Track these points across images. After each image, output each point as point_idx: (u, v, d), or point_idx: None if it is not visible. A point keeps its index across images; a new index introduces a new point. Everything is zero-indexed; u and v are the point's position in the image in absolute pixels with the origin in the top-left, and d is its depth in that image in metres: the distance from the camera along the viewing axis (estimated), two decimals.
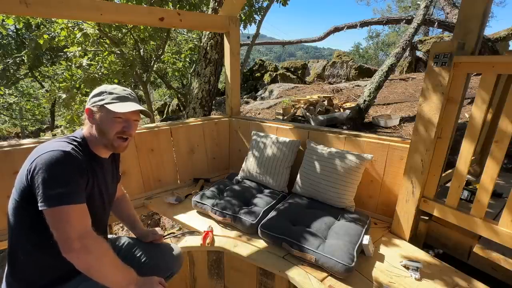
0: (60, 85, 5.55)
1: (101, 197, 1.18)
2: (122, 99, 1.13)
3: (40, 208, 0.91)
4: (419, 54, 10.04)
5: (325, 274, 1.45)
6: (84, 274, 1.12)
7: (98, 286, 1.11)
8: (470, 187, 1.94)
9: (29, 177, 0.94)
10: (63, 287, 1.06)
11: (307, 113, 5.45)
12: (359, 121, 5.02)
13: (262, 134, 2.47)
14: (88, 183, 1.06)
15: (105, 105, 1.09)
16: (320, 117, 5.13)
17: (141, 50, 6.40)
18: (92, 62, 5.48)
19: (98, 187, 1.15)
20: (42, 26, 5.92)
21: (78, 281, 1.09)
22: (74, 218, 0.94)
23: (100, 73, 5.48)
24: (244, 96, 9.94)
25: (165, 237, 1.85)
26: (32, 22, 6.53)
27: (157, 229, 1.52)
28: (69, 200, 0.94)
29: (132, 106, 1.13)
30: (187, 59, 8.20)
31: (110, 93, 1.13)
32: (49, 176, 0.92)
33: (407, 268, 1.49)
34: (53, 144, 1.01)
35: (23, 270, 1.03)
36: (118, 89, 1.15)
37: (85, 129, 1.15)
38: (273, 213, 1.85)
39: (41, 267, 1.04)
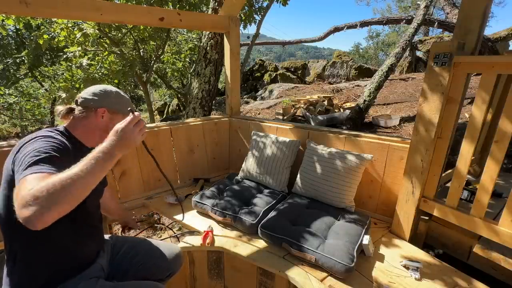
0: (60, 85, 5.56)
1: None
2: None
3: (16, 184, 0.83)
4: (419, 54, 10.04)
5: (325, 274, 1.45)
6: (84, 273, 1.12)
7: (97, 286, 1.11)
8: (470, 187, 1.94)
9: (13, 164, 0.93)
10: (63, 285, 1.06)
11: (307, 113, 5.45)
12: (359, 121, 5.03)
13: (262, 134, 2.47)
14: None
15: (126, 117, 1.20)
16: (320, 117, 5.13)
17: (141, 50, 6.40)
18: (92, 62, 5.48)
19: None
20: (42, 26, 5.91)
21: (78, 280, 1.09)
22: (32, 182, 0.80)
23: (100, 73, 5.48)
24: (244, 96, 9.94)
25: (165, 238, 1.85)
26: (32, 23, 6.54)
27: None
28: (43, 169, 0.86)
29: None
30: (187, 59, 8.19)
31: (128, 103, 1.23)
32: (30, 155, 0.89)
33: (407, 268, 1.49)
34: (34, 134, 1.03)
35: (21, 268, 1.03)
36: (128, 100, 1.25)
37: (69, 123, 1.16)
38: (273, 213, 1.85)
39: (39, 265, 1.04)
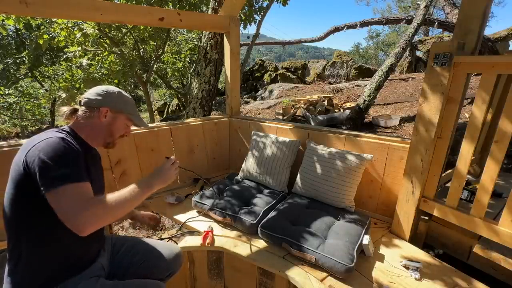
0: (60, 85, 5.56)
1: (94, 183, 1.16)
2: (136, 111, 1.32)
3: (44, 192, 0.90)
4: (419, 54, 10.05)
5: (325, 274, 1.45)
6: (84, 273, 1.12)
7: (97, 285, 1.11)
8: (470, 187, 1.94)
9: (27, 167, 0.93)
10: (63, 285, 1.06)
11: (307, 113, 5.45)
12: (359, 121, 5.03)
13: (262, 134, 2.47)
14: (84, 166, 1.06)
15: (130, 116, 1.25)
16: (320, 117, 5.13)
17: (141, 50, 6.40)
18: (92, 62, 5.48)
19: (91, 173, 1.15)
20: (42, 26, 5.91)
21: (78, 279, 1.09)
22: (78, 195, 0.93)
23: (100, 73, 5.48)
24: (244, 96, 9.95)
25: (165, 238, 1.85)
26: (32, 23, 6.54)
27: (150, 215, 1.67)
28: (73, 179, 0.94)
29: (145, 123, 1.35)
30: (187, 59, 8.19)
31: (130, 102, 1.29)
32: (50, 160, 0.93)
33: (407, 268, 1.49)
34: (44, 134, 1.03)
35: (23, 268, 1.03)
36: (131, 100, 1.29)
37: (74, 123, 1.17)
38: (273, 213, 1.85)
39: (42, 264, 1.04)
